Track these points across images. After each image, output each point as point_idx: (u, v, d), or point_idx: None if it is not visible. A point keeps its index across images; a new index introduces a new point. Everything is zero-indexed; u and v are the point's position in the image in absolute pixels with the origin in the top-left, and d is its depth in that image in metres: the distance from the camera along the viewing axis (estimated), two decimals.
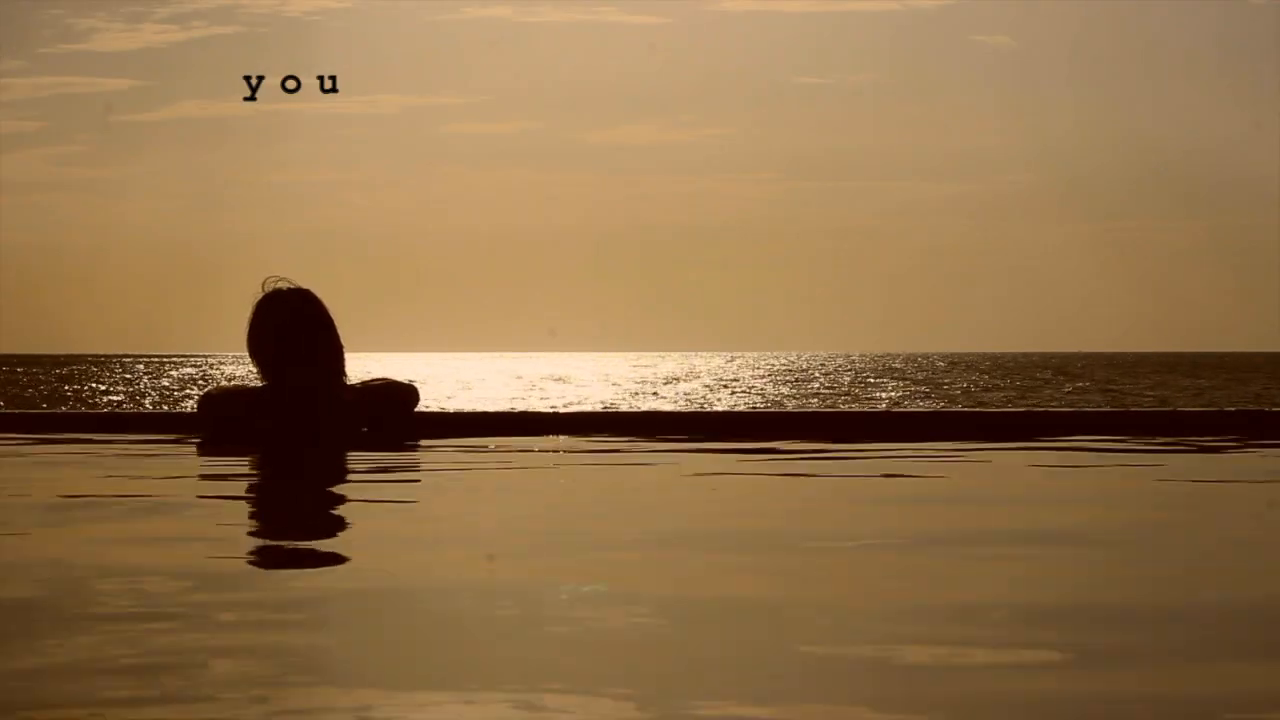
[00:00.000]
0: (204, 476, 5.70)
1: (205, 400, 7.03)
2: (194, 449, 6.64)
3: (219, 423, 6.96)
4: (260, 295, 6.95)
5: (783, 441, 6.91)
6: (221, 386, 7.15)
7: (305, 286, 7.01)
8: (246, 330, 6.92)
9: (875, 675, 2.15)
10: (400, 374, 7.98)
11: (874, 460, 6.05)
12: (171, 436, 7.20)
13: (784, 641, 2.38)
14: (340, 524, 4.26)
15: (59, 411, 9.64)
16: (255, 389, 6.97)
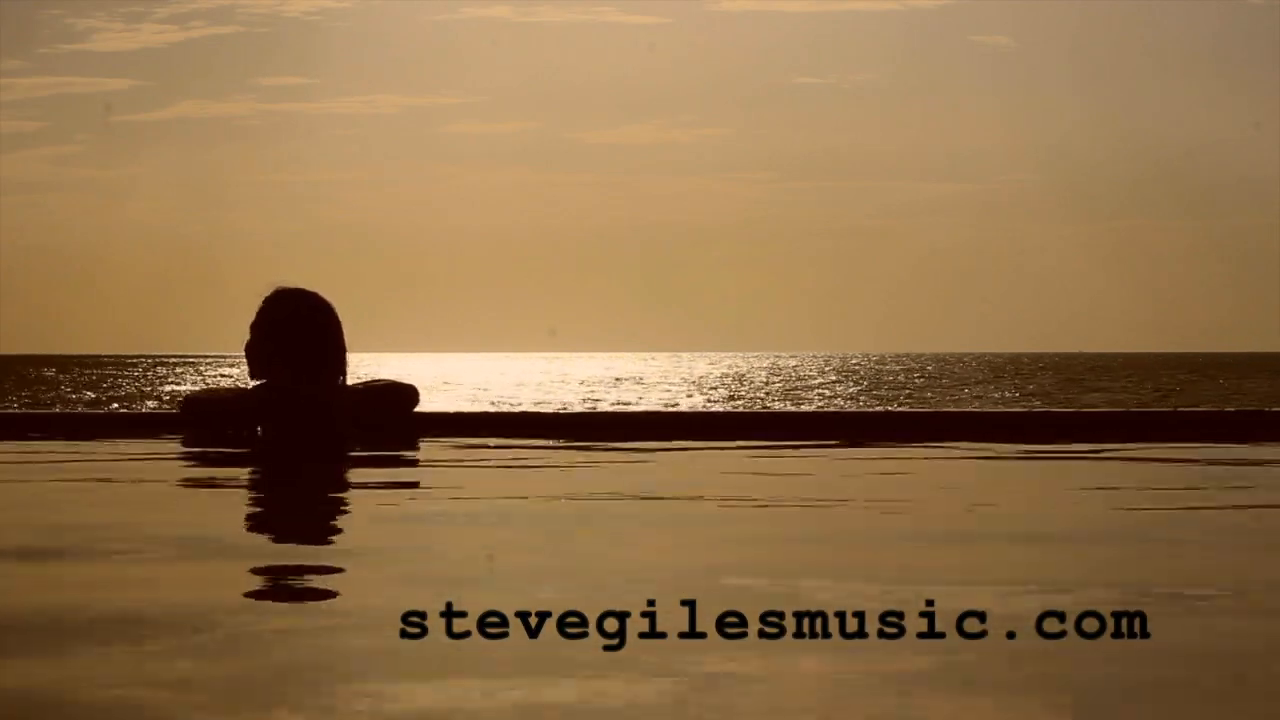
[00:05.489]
0: (188, 480, 5.69)
1: (188, 402, 7.01)
2: (177, 450, 6.62)
3: (201, 423, 6.95)
4: (269, 292, 6.97)
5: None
6: (205, 389, 7.15)
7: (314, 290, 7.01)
8: (250, 326, 6.93)
9: None
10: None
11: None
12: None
13: None
14: (332, 522, 4.26)
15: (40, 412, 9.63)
16: (240, 391, 6.96)
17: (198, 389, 7.15)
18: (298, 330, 6.89)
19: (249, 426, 6.84)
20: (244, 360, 6.93)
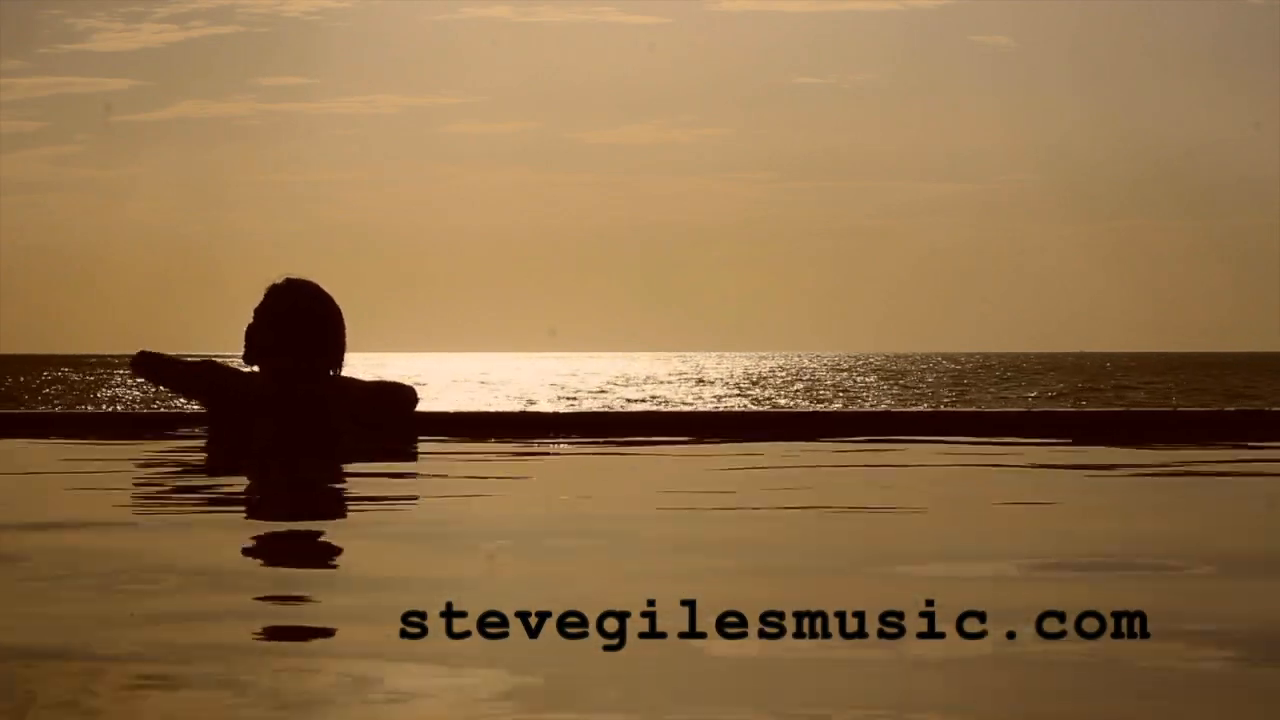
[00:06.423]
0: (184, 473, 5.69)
1: (141, 357, 7.07)
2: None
3: (148, 377, 7.08)
4: (276, 281, 7.03)
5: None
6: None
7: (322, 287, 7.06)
8: (254, 310, 6.99)
9: None
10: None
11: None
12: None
13: None
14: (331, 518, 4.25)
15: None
16: (194, 362, 7.08)
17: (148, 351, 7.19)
18: (296, 320, 6.96)
19: (263, 423, 6.91)
20: (244, 344, 7.01)
